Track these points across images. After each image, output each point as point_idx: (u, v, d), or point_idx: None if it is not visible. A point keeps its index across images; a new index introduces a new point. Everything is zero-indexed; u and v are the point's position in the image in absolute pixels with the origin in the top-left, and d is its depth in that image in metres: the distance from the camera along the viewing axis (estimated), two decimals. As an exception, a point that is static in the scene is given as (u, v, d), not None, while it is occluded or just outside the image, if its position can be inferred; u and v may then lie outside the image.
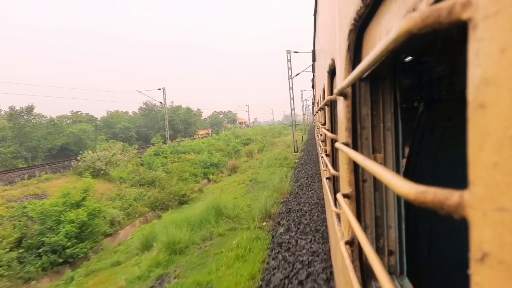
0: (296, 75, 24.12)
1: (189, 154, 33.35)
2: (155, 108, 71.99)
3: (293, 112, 25.54)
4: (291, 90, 24.45)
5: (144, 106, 69.85)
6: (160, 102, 39.37)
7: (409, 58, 3.93)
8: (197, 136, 66.60)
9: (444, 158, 2.19)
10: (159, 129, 66.09)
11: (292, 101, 24.88)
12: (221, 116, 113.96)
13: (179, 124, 69.23)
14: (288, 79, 24.08)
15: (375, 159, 1.12)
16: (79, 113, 59.31)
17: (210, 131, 79.19)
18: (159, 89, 38.62)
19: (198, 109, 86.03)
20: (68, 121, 54.97)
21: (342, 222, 1.56)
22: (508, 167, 0.28)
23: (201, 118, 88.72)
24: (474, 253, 0.32)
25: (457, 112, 2.20)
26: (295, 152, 24.90)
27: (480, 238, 0.31)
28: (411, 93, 5.92)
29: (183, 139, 51.74)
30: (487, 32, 0.30)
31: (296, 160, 20.76)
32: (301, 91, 70.20)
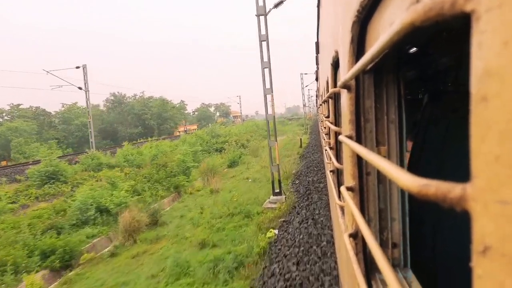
0: (275, 6, 11.29)
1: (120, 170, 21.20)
2: (124, 100, 56.37)
3: (269, 97, 11.46)
4: (263, 43, 11.02)
5: (112, 98, 55.44)
6: (80, 88, 25.63)
7: (414, 49, 3.87)
8: (178, 133, 54.12)
9: (449, 150, 2.18)
10: (129, 124, 52.83)
11: (265, 71, 11.19)
12: (211, 109, 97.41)
13: (150, 119, 54.25)
14: (256, 15, 10.93)
15: (378, 152, 1.12)
16: (21, 106, 46.28)
17: (195, 127, 63.93)
18: (78, 67, 25.54)
19: (182, 101, 70.24)
20: (5, 117, 43.79)
21: (346, 215, 1.56)
22: (510, 160, 0.28)
23: (185, 112, 72.85)
24: (476, 246, 0.32)
25: (462, 104, 2.17)
26: (275, 194, 11.37)
27: (482, 231, 0.31)
28: (416, 85, 5.86)
29: (146, 139, 37.83)
30: (489, 24, 0.30)
31: (272, 235, 8.31)
32: (301, 74, 51.28)
